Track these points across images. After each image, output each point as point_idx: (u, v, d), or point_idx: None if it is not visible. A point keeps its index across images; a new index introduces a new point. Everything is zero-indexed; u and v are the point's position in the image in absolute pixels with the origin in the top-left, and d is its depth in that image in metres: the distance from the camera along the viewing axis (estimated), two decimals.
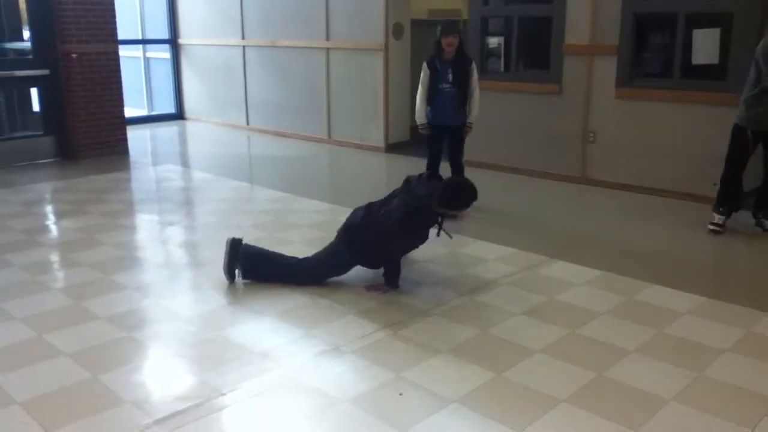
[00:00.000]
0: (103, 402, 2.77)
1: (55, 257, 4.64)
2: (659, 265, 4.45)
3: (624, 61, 6.26)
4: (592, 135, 6.58)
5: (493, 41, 7.37)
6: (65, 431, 2.57)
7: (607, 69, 6.37)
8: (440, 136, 5.57)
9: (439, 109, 5.43)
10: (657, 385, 2.89)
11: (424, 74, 5.45)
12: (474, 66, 5.49)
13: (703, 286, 4.03)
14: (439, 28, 5.38)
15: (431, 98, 5.42)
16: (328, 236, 5.15)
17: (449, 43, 5.28)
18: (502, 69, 7.31)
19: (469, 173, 7.15)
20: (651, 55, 6.42)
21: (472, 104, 5.48)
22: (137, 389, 2.92)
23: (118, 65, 8.08)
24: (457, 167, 5.74)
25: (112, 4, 7.96)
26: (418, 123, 5.55)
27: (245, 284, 4.08)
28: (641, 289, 3.95)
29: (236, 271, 4.06)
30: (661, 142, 6.09)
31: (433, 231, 3.97)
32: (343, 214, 5.43)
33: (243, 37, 9.85)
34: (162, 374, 3.09)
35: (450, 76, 5.36)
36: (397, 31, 8.19)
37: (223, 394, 2.83)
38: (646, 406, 2.73)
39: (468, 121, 5.51)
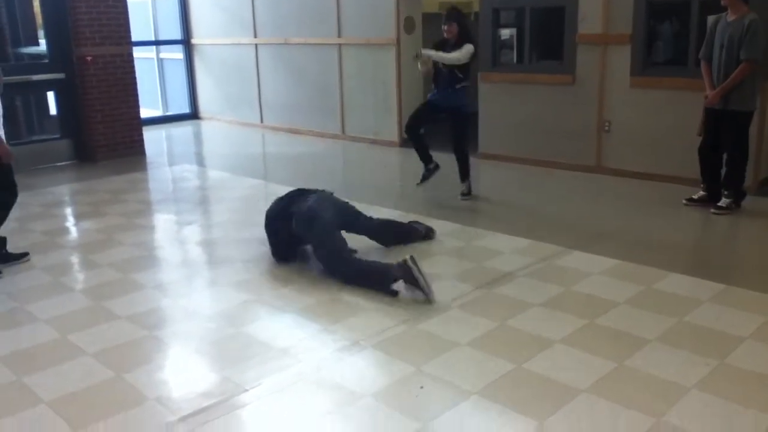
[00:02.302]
0: (127, 400, 2.81)
1: (75, 258, 4.70)
2: (677, 253, 4.43)
3: (638, 49, 6.22)
4: (607, 124, 6.54)
5: (506, 33, 7.34)
6: (92, 429, 2.61)
7: (621, 58, 6.33)
8: (431, 109, 5.85)
9: (438, 89, 5.75)
10: (678, 373, 2.88)
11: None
12: (467, 46, 5.52)
13: (721, 274, 4.01)
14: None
15: (435, 78, 5.75)
16: (345, 233, 5.15)
17: (448, 31, 5.60)
18: (515, 60, 7.28)
19: (483, 165, 7.17)
20: (665, 44, 6.37)
21: (445, 54, 5.55)
22: (161, 387, 2.96)
23: (133, 67, 8.15)
24: (461, 154, 5.85)
25: (126, 6, 8.03)
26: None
27: (264, 281, 4.12)
28: (660, 278, 3.93)
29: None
30: (677, 131, 6.04)
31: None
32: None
33: (255, 36, 9.88)
34: (184, 372, 3.13)
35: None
36: (408, 25, 8.17)
37: (246, 391, 2.86)
38: (667, 395, 2.72)
39: (428, 54, 5.61)
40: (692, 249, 4.53)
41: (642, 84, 6.25)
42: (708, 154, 5.32)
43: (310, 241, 4.23)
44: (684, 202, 5.45)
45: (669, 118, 6.13)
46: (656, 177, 6.24)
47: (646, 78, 6.22)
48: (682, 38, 6.07)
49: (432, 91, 5.84)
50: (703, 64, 5.25)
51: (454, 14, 5.68)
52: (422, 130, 5.88)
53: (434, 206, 5.68)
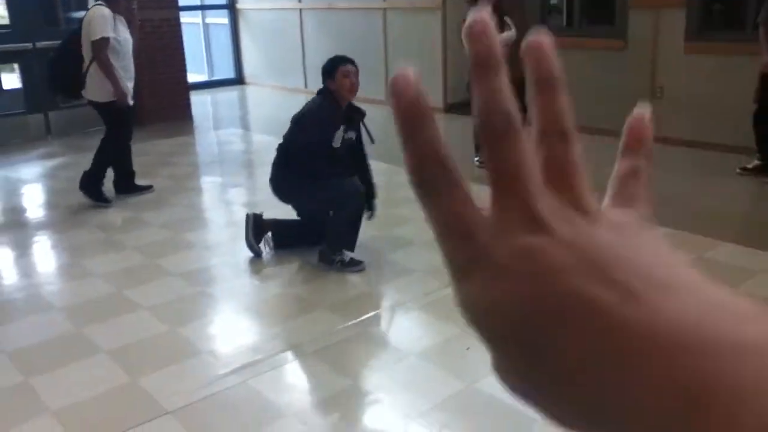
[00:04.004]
0: (182, 352, 2.91)
1: (128, 217, 4.83)
2: (730, 223, 4.33)
3: (693, 13, 6.01)
4: (659, 90, 6.37)
5: None
6: (149, 378, 2.71)
7: (675, 22, 6.13)
8: None
9: None
10: None
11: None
12: (508, 19, 5.37)
13: None
14: None
15: None
16: (385, 195, 5.18)
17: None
18: (564, 24, 7.11)
19: (527, 132, 7.04)
20: (722, 7, 6.14)
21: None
22: (213, 341, 3.05)
23: (180, 31, 8.22)
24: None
25: None
26: None
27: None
28: (712, 247, 3.86)
29: (262, 245, 3.93)
30: (733, 97, 5.85)
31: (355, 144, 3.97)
32: (400, 174, 5.41)
33: (299, 1, 9.85)
34: (235, 327, 3.21)
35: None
36: None
37: (294, 346, 2.93)
38: None
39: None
40: (746, 218, 4.43)
41: (696, 49, 6.05)
42: (764, 122, 5.15)
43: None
44: (738, 171, 5.30)
45: (724, 84, 5.93)
46: (709, 146, 6.08)
47: (701, 43, 6.01)
48: (740, 1, 5.84)
49: None
50: (761, 29, 5.05)
51: None
52: None
53: (483, 173, 5.65)
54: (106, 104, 4.87)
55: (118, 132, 4.99)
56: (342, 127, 3.75)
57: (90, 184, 4.94)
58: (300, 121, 3.76)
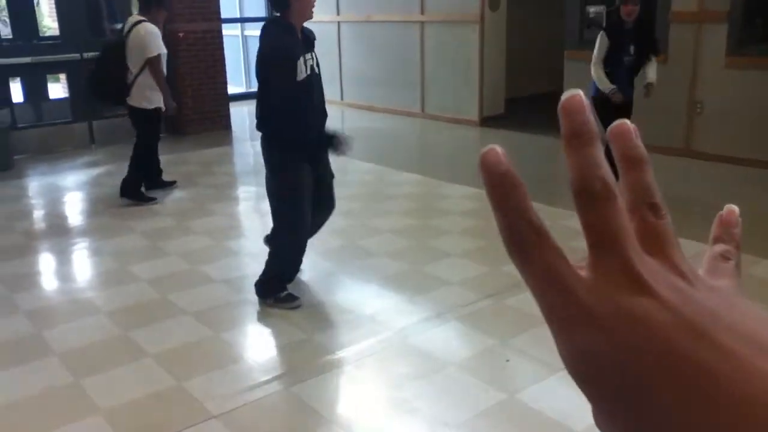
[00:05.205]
0: (226, 357, 2.98)
1: (171, 224, 4.94)
2: None
3: (735, 27, 5.95)
4: (699, 106, 6.31)
5: (594, 10, 7.15)
6: (194, 382, 2.78)
7: (716, 37, 6.08)
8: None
9: (617, 81, 4.95)
10: None
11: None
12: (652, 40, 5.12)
13: None
14: None
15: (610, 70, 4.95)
16: (424, 208, 5.23)
17: (629, 12, 4.84)
18: None
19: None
20: (764, 21, 6.07)
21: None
22: (256, 347, 3.11)
23: (221, 43, 8.38)
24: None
25: None
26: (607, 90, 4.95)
27: (347, 252, 4.23)
28: (755, 264, 3.81)
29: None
30: None
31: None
32: (437, 187, 5.50)
33: (338, 13, 9.98)
34: (276, 334, 3.27)
35: (631, 48, 4.94)
36: (493, 2, 8.08)
37: (335, 354, 2.97)
38: None
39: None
40: None
41: (738, 64, 5.99)
42: None
43: None
44: None
45: (765, 100, 5.86)
46: (749, 162, 5.99)
47: (743, 58, 5.95)
48: None
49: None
50: None
51: None
52: None
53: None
54: (148, 111, 5.17)
55: (151, 137, 5.33)
56: (304, 56, 3.23)
57: (130, 189, 5.27)
58: (267, 61, 3.22)
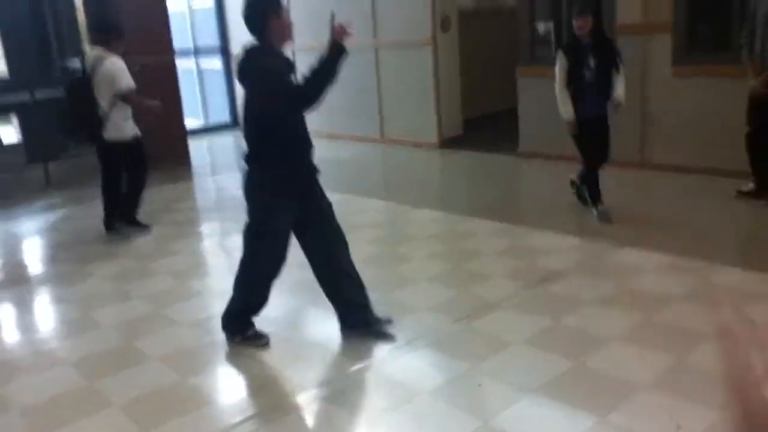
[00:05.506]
0: (193, 402, 2.91)
1: (133, 266, 4.84)
2: (732, 246, 4.37)
3: (679, 37, 6.12)
4: (650, 117, 6.46)
5: (542, 27, 7.30)
6: (161, 430, 2.70)
7: (662, 47, 6.23)
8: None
9: (582, 102, 4.95)
10: None
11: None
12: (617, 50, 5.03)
13: None
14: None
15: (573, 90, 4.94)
16: (391, 235, 5.23)
17: (580, 26, 4.83)
18: (553, 55, 7.22)
19: (522, 163, 7.14)
20: (707, 27, 6.23)
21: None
22: (224, 389, 3.05)
23: (177, 76, 8.28)
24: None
25: (167, 14, 8.14)
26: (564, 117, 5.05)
27: (315, 285, 4.19)
28: (715, 272, 3.89)
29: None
30: (724, 120, 5.92)
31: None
32: (402, 212, 5.51)
33: (292, 41, 9.99)
34: (246, 374, 3.22)
35: (591, 62, 4.87)
36: (445, 23, 8.20)
37: (306, 391, 2.93)
38: None
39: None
40: (748, 242, 4.47)
41: (684, 73, 6.14)
42: (757, 145, 5.21)
43: None
44: (735, 194, 5.34)
45: (715, 107, 6.01)
46: (702, 170, 6.11)
47: (689, 66, 6.10)
48: (726, 22, 5.93)
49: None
50: (745, 50, 5.14)
51: (589, 6, 4.83)
52: None
53: (483, 207, 5.69)
54: (128, 142, 5.26)
55: (139, 165, 5.45)
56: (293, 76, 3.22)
57: (129, 218, 5.50)
58: (265, 85, 3.14)
